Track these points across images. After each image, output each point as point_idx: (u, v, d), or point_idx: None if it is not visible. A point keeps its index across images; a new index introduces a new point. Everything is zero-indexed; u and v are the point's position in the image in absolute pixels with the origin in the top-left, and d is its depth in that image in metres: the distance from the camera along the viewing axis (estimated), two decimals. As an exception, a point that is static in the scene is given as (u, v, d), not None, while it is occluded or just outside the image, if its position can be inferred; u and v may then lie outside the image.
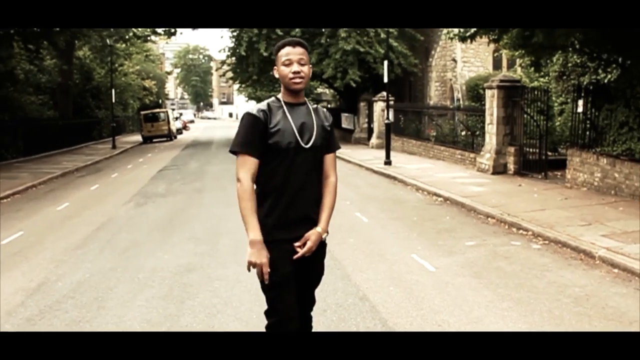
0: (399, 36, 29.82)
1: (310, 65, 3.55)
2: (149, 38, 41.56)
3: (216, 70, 49.47)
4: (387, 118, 21.23)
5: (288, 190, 3.38)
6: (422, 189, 14.36)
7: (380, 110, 26.62)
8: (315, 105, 3.64)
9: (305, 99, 3.57)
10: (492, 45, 28.68)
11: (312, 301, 3.72)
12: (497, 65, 29.48)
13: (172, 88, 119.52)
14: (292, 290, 3.42)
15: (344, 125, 36.04)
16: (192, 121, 78.73)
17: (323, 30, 30.45)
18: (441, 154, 20.85)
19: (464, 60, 29.12)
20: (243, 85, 41.97)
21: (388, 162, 19.49)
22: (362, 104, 32.05)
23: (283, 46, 3.43)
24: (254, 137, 3.36)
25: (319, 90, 58.21)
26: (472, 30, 11.99)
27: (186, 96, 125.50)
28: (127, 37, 34.30)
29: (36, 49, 25.18)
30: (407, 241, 8.95)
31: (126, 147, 35.23)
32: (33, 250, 8.99)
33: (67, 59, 31.75)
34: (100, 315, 5.98)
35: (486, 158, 16.40)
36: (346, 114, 35.55)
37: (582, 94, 13.18)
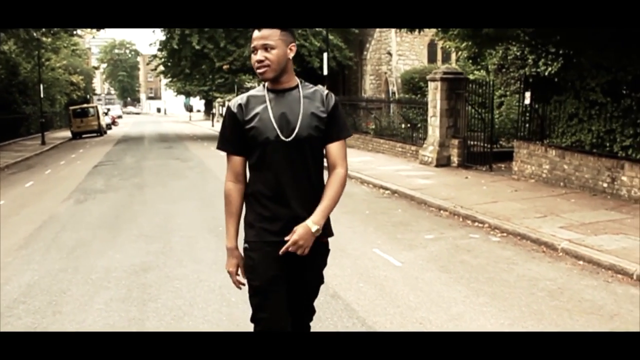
0: (334, 29, 29.59)
1: (293, 44, 3.03)
2: (75, 32, 39.97)
3: (147, 64, 48.12)
4: (327, 111, 20.89)
5: (272, 190, 2.99)
6: (367, 182, 14.12)
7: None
8: (312, 88, 3.14)
9: (299, 81, 3.10)
10: (427, 38, 28.96)
11: (311, 311, 3.31)
12: (432, 58, 29.67)
13: (99, 83, 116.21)
14: (278, 296, 2.99)
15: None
16: (120, 116, 76.72)
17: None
18: (380, 147, 20.71)
19: (399, 53, 29.15)
20: (173, 80, 41.02)
21: (328, 156, 19.15)
22: (297, 97, 31.67)
23: (253, 30, 3.03)
24: (231, 133, 3.06)
25: (249, 84, 57.66)
26: (421, 19, 11.77)
27: (113, 91, 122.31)
28: (53, 30, 32.72)
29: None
30: (365, 235, 8.65)
31: (56, 143, 33.83)
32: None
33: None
34: (57, 321, 5.41)
35: (429, 150, 16.31)
36: (280, 108, 35.10)
37: (529, 86, 13.16)
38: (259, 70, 2.97)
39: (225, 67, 32.13)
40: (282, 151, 2.95)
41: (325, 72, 21.09)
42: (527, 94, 13.12)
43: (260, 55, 2.94)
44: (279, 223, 2.97)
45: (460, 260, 7.25)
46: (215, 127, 48.01)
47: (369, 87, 30.66)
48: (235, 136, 3.02)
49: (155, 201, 12.06)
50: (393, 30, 28.66)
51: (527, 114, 13.48)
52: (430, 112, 16.52)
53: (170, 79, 39.70)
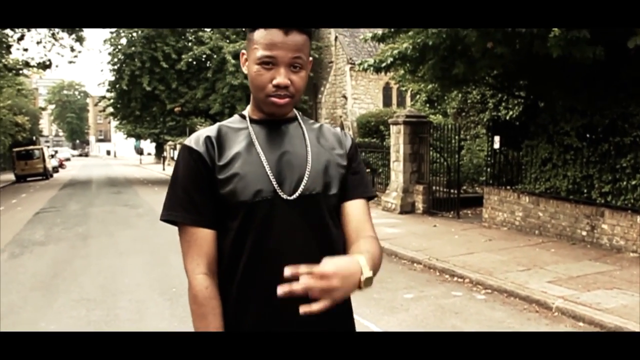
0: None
1: (311, 60, 1.98)
2: (21, 72, 38.61)
3: (95, 105, 46.75)
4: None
5: (263, 277, 1.84)
6: (331, 231, 13.33)
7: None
8: (315, 123, 2.13)
9: (296, 112, 2.07)
10: (382, 82, 28.71)
11: None
12: (387, 101, 29.37)
13: (47, 125, 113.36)
14: None
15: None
16: (68, 159, 74.62)
17: (208, 64, 29.28)
18: (340, 193, 19.97)
19: (354, 97, 28.79)
20: (124, 122, 39.82)
21: (286, 202, 18.35)
22: (251, 141, 30.90)
23: (265, 26, 1.88)
24: (195, 189, 1.89)
25: (200, 127, 56.79)
26: (389, 60, 11.21)
27: (61, 133, 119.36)
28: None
29: None
30: (337, 295, 7.80)
31: (-3, 186, 32.15)
32: None
33: None
34: None
35: (393, 197, 15.64)
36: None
37: (498, 130, 12.66)
38: (277, 100, 1.88)
39: (176, 109, 31.20)
40: (283, 217, 1.87)
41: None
42: (497, 138, 12.60)
43: (284, 76, 1.85)
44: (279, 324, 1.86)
45: (450, 325, 6.47)
46: (166, 170, 46.74)
47: (324, 131, 30.13)
48: (202, 194, 1.88)
49: (100, 255, 10.93)
50: (348, 74, 28.33)
51: (496, 159, 12.95)
52: (392, 156, 15.91)
53: (119, 121, 38.47)
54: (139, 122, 38.39)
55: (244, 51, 1.99)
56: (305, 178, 1.91)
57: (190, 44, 30.53)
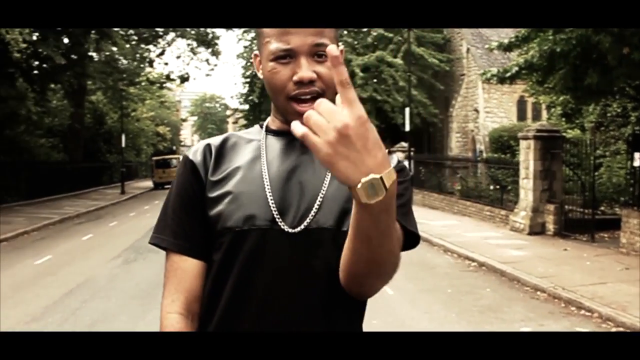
0: (418, 85, 28.52)
1: (342, 49, 1.47)
2: (164, 85, 40.76)
3: (229, 117, 48.17)
4: (410, 170, 19.55)
5: (243, 328, 1.44)
6: (452, 250, 12.63)
7: (408, 162, 25.05)
8: None
9: None
10: (516, 95, 27.44)
11: None
12: (521, 116, 28.04)
13: (189, 135, 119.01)
14: None
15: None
16: None
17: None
18: (467, 210, 19.11)
19: (486, 110, 27.70)
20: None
21: (408, 218, 17.74)
22: (379, 154, 30.57)
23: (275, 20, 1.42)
24: (184, 210, 1.51)
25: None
26: (514, 70, 10.44)
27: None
28: (137, 80, 33.23)
29: (41, 90, 24.26)
30: (445, 324, 7.19)
31: (135, 192, 33.93)
32: (-19, 321, 7.34)
33: (78, 102, 30.87)
34: None
35: (521, 216, 14.65)
36: (362, 165, 34.14)
37: (638, 146, 11.47)
38: (304, 107, 1.40)
39: (305, 122, 31.47)
40: (277, 255, 1.42)
41: (408, 128, 19.86)
42: (637, 155, 11.41)
43: (307, 69, 1.41)
44: None
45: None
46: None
47: (455, 145, 29.22)
48: (192, 217, 1.50)
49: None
50: (480, 86, 27.30)
51: (636, 178, 11.73)
52: (522, 173, 14.92)
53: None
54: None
55: (256, 52, 1.55)
56: (315, 207, 1.44)
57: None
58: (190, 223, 1.49)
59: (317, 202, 1.44)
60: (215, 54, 33.03)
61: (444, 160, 23.65)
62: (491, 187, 18.25)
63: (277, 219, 1.42)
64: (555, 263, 10.64)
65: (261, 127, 1.60)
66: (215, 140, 1.57)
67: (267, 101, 30.01)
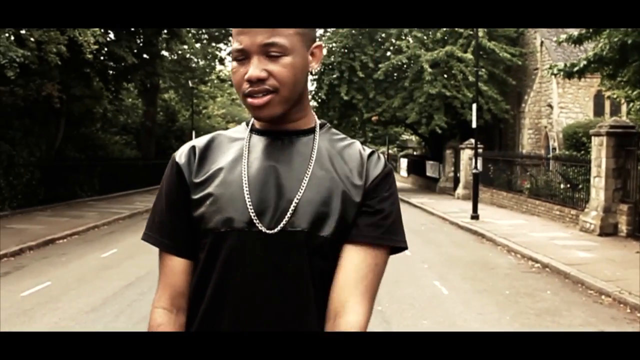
0: (489, 80, 27.81)
1: (318, 45, 1.51)
2: (235, 82, 41.41)
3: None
4: (475, 167, 19.08)
5: (222, 326, 1.45)
6: (515, 250, 12.20)
7: (468, 159, 24.51)
8: (344, 139, 1.58)
9: (318, 121, 1.57)
10: (592, 90, 26.34)
11: None
12: (599, 111, 26.91)
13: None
14: None
15: (428, 174, 34.15)
16: None
17: (407, 72, 28.87)
18: (536, 209, 18.49)
19: (560, 105, 26.74)
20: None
21: (475, 217, 17.34)
22: (448, 151, 30.07)
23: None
24: (170, 210, 1.53)
25: (404, 136, 56.53)
26: (582, 64, 9.94)
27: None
28: (208, 78, 33.74)
29: (115, 89, 24.97)
30: (498, 327, 6.89)
31: (207, 189, 34.51)
32: (44, 309, 7.56)
33: (151, 101, 31.63)
34: None
35: (592, 216, 14.02)
36: (431, 162, 33.66)
37: None
38: (253, 101, 1.43)
39: (374, 118, 31.24)
40: (254, 256, 1.42)
41: (474, 125, 19.32)
42: None
43: (254, 66, 1.41)
44: None
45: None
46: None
47: (527, 142, 28.32)
48: (178, 216, 1.52)
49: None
50: (554, 81, 26.36)
51: None
52: (593, 171, 14.29)
53: (320, 130, 39.35)
54: (339, 130, 39.10)
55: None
56: (292, 208, 1.43)
57: (388, 53, 30.39)
58: (176, 223, 1.52)
59: (293, 205, 1.43)
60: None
61: (514, 157, 22.97)
62: (561, 186, 17.59)
63: (254, 221, 1.43)
64: (624, 266, 10.11)
65: (247, 124, 1.60)
66: (200, 142, 1.58)
67: (334, 98, 29.93)
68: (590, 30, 10.28)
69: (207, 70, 32.52)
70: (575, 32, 10.88)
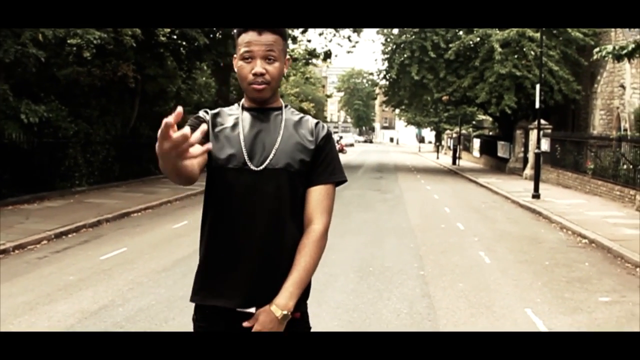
0: (561, 60, 27.67)
1: (288, 58, 2.45)
2: (309, 61, 41.94)
3: (376, 93, 48.91)
4: (538, 147, 19.39)
5: (229, 233, 2.31)
6: (567, 227, 12.68)
7: (536, 139, 24.61)
8: (300, 115, 2.49)
9: (283, 103, 2.48)
10: (668, 70, 25.84)
11: None
12: (674, 92, 26.42)
13: (335, 111, 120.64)
14: None
15: (499, 154, 34.18)
16: (351, 144, 78.02)
17: (478, 52, 29.00)
18: (598, 189, 18.70)
19: (633, 86, 26.34)
20: (397, 110, 41.21)
21: (536, 196, 17.73)
22: (518, 131, 30.10)
23: (245, 30, 2.33)
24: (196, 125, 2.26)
25: (480, 117, 56.13)
26: (630, 47, 10.30)
27: (349, 119, 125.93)
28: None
29: (188, 69, 25.93)
30: (528, 291, 7.57)
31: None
32: (121, 269, 8.54)
33: (223, 80, 32.59)
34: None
35: (648, 196, 14.30)
36: (502, 142, 33.68)
37: None
38: (256, 86, 2.32)
39: (444, 98, 31.56)
40: (247, 183, 2.29)
41: (537, 105, 19.55)
42: None
43: (260, 66, 2.30)
44: (235, 284, 2.27)
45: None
46: (440, 159, 47.43)
47: (598, 123, 28.09)
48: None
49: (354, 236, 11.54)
50: (627, 61, 26.02)
51: None
52: (652, 152, 14.51)
53: (392, 109, 39.81)
54: (408, 109, 39.34)
55: (235, 55, 2.43)
56: (272, 155, 2.32)
57: (460, 32, 30.54)
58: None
59: (272, 152, 2.34)
60: (357, 30, 33.84)
61: (581, 138, 23.00)
62: (624, 167, 17.73)
63: (247, 162, 2.32)
64: (667, 243, 10.51)
65: (239, 105, 2.48)
66: (214, 111, 2.49)
67: (405, 77, 30.37)
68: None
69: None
70: None
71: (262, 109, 2.41)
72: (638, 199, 14.73)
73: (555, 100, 27.52)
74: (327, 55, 36.43)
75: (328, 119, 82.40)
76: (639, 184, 16.17)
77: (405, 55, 29.84)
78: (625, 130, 25.05)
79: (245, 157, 2.30)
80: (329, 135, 2.44)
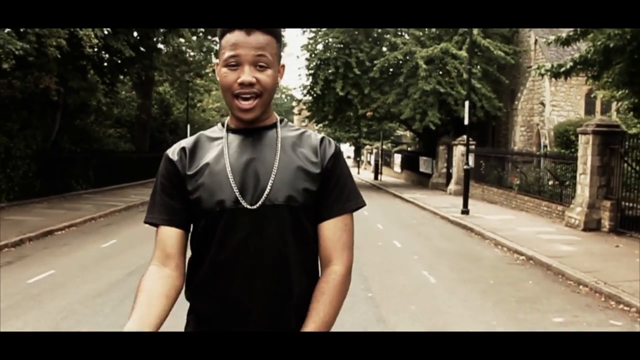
0: (483, 77, 28.25)
1: (283, 65, 1.96)
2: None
3: (294, 108, 48.80)
4: (467, 163, 19.54)
5: (223, 291, 1.85)
6: (502, 244, 12.67)
7: (460, 155, 24.96)
8: (299, 130, 2.00)
9: (278, 117, 1.99)
10: (584, 88, 26.78)
11: None
12: (589, 110, 27.40)
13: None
14: None
15: (421, 169, 34.55)
16: None
17: (401, 70, 29.23)
18: (524, 205, 18.99)
19: (552, 103, 27.22)
20: (320, 126, 41.11)
21: (465, 211, 17.81)
22: (441, 147, 30.48)
23: (230, 29, 1.84)
24: (164, 193, 1.92)
25: (399, 132, 56.86)
26: (568, 65, 10.38)
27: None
28: (203, 72, 33.95)
29: (111, 82, 25.07)
30: (480, 312, 7.35)
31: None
32: (52, 294, 7.90)
33: (146, 94, 31.70)
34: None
35: (577, 212, 14.51)
36: (424, 158, 34.08)
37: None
38: (244, 103, 1.83)
39: (368, 114, 31.65)
40: (242, 227, 1.82)
41: (467, 122, 19.74)
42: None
43: (248, 74, 1.81)
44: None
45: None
46: (361, 174, 47.59)
47: (519, 139, 28.82)
48: (170, 198, 1.89)
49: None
50: (547, 79, 26.81)
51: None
52: (579, 169, 14.77)
53: (315, 124, 39.63)
54: (334, 125, 39.31)
55: (216, 60, 1.94)
56: (268, 187, 1.83)
57: (384, 49, 30.75)
58: (170, 203, 1.90)
59: (269, 184, 1.83)
60: (283, 45, 33.55)
61: (505, 154, 23.44)
62: (549, 183, 18.07)
63: (240, 200, 1.82)
64: (603, 259, 10.60)
65: (222, 125, 1.98)
66: (187, 142, 1.96)
67: (330, 93, 30.26)
68: (578, 31, 10.72)
69: (203, 63, 32.73)
70: (564, 33, 11.31)
71: (252, 129, 1.91)
72: (567, 214, 14.93)
73: (478, 117, 28.01)
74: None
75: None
76: (564, 200, 16.46)
77: (330, 71, 29.75)
78: (546, 146, 25.75)
79: (237, 194, 1.82)
80: (337, 152, 1.95)
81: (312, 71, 30.92)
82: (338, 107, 31.66)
